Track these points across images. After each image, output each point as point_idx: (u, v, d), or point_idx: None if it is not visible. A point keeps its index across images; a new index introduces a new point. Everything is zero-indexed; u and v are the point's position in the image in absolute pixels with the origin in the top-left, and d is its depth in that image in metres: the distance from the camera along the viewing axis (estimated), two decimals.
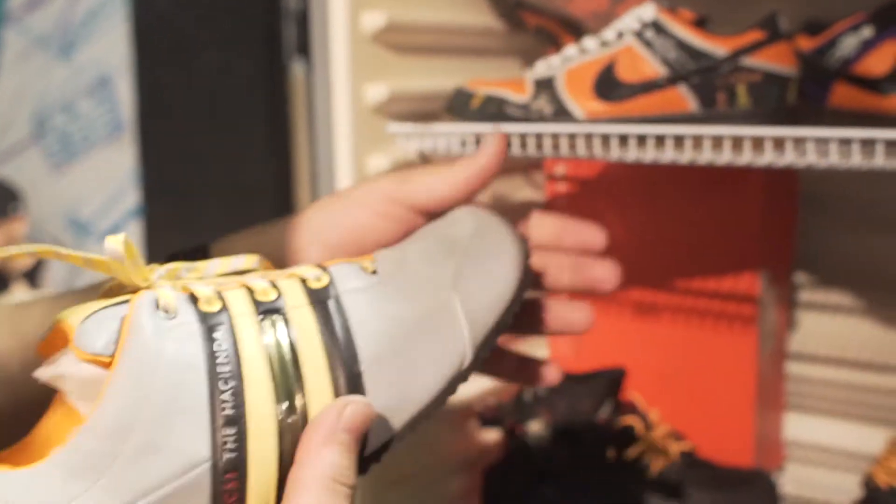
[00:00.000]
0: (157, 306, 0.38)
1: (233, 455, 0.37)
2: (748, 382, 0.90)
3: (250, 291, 0.41)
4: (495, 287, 0.48)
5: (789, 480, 0.96)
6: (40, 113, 2.29)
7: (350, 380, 0.41)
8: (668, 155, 0.68)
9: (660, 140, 0.69)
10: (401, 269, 0.46)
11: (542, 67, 0.77)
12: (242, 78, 2.01)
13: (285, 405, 0.39)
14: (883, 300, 0.92)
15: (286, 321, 0.41)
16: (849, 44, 0.76)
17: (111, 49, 2.16)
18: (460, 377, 0.45)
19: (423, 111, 0.83)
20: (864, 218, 0.92)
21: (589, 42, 0.76)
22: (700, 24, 0.75)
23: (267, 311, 0.41)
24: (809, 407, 0.97)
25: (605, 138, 0.71)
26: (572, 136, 0.72)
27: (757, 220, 0.90)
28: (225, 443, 0.37)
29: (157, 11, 2.08)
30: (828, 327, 0.94)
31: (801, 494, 0.95)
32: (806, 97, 0.77)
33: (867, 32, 0.75)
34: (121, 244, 0.39)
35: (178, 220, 2.03)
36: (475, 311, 0.46)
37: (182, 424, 0.36)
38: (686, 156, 0.68)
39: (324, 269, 0.44)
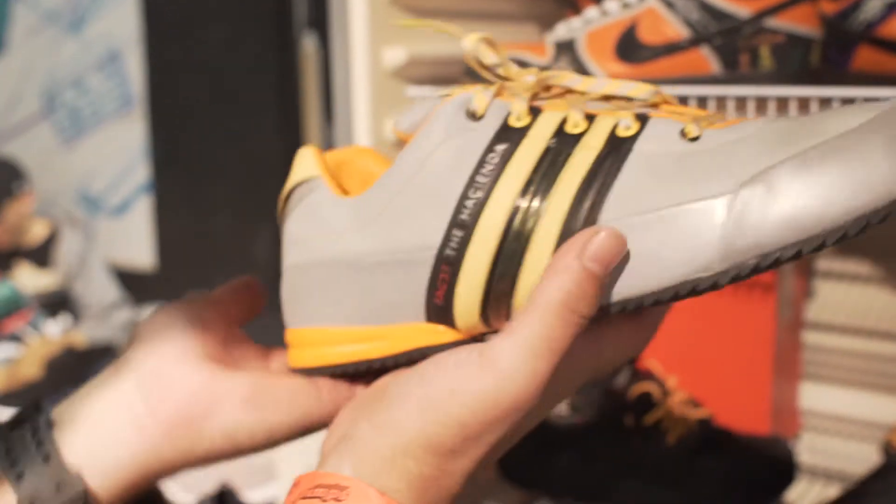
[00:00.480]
0: (468, 107, 0.43)
1: (453, 253, 0.42)
2: (766, 350, 0.90)
3: (565, 120, 0.42)
4: (820, 207, 0.37)
5: (805, 449, 0.96)
6: (50, 88, 2.29)
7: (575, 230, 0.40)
8: None
9: (683, 101, 0.69)
10: (722, 145, 0.40)
11: (563, 30, 0.76)
12: (252, 53, 2.00)
13: (514, 229, 0.41)
14: None
15: (568, 158, 0.41)
16: (873, 6, 0.75)
17: (121, 24, 2.16)
18: (694, 287, 0.39)
19: (442, 75, 0.83)
20: None
21: (610, 4, 0.75)
22: None
23: (561, 142, 0.41)
24: (826, 376, 0.96)
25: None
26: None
27: None
28: (451, 240, 0.42)
29: None
30: (845, 296, 0.94)
31: (817, 463, 0.95)
32: (829, 61, 0.76)
33: None
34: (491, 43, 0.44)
35: (187, 194, 2.03)
36: (757, 226, 0.38)
37: (432, 211, 0.42)
38: None
39: (643, 117, 0.42)
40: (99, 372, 0.49)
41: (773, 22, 0.71)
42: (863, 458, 0.90)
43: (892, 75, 0.73)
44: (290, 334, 0.49)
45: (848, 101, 0.64)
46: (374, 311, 0.45)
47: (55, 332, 1.84)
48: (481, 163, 0.41)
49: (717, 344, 0.93)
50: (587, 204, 0.40)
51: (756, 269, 0.38)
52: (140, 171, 2.16)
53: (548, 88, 0.44)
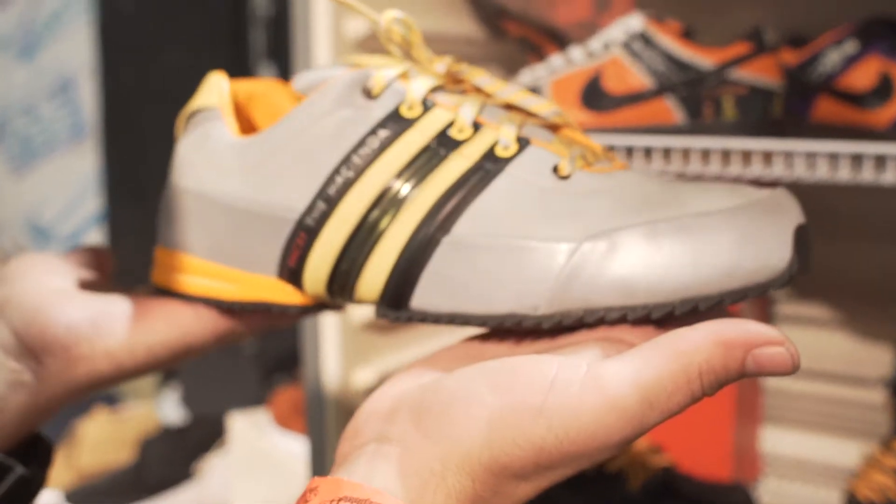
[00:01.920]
0: (365, 84, 0.43)
1: (312, 223, 0.43)
2: (727, 396, 0.90)
3: (451, 123, 0.42)
4: (671, 269, 0.37)
5: (767, 493, 0.96)
6: (1, 116, 2.24)
7: (423, 241, 0.41)
8: (657, 166, 0.68)
9: (648, 151, 0.69)
10: (585, 192, 0.40)
11: (528, 77, 0.76)
12: None
13: (372, 217, 0.42)
14: (859, 313, 0.93)
15: (442, 161, 0.41)
16: (832, 58, 0.76)
17: (74, 51, 2.13)
18: (518, 322, 0.39)
19: None
20: (841, 231, 0.93)
21: (575, 52, 0.75)
22: (687, 35, 0.75)
23: (441, 144, 0.42)
24: (787, 420, 0.97)
25: None
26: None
27: None
28: (313, 210, 0.43)
29: (122, 15, 2.05)
30: (805, 340, 0.95)
31: None
32: (790, 110, 0.77)
33: (851, 47, 0.76)
34: (407, 25, 0.43)
35: (140, 225, 1.99)
36: (589, 281, 0.37)
37: (303, 177, 0.43)
38: (674, 167, 0.68)
39: (524, 142, 0.41)
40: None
41: (736, 74, 0.71)
42: (824, 503, 0.90)
43: (851, 126, 0.74)
44: (159, 251, 0.49)
45: (810, 155, 0.65)
46: (233, 254, 0.46)
47: None
48: (360, 143, 0.42)
49: None
50: (445, 211, 0.41)
51: (581, 322, 0.38)
52: (92, 201, 2.12)
53: (458, 81, 0.44)
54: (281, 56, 1.90)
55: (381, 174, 0.42)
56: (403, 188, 0.41)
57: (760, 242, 0.37)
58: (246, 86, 0.49)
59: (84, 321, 0.45)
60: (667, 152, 0.68)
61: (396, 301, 0.42)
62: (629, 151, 0.69)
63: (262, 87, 0.50)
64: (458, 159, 0.41)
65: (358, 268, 0.43)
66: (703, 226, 0.37)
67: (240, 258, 0.46)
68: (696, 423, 0.92)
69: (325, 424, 0.83)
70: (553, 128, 0.43)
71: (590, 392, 0.34)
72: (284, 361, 1.58)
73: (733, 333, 0.34)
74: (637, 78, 0.72)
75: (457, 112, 0.42)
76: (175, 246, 0.48)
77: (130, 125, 2.07)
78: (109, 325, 0.46)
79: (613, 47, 0.73)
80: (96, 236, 2.14)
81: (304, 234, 0.43)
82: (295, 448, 1.26)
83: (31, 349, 0.45)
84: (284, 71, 1.89)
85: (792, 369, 0.35)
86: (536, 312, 0.38)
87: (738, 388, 0.90)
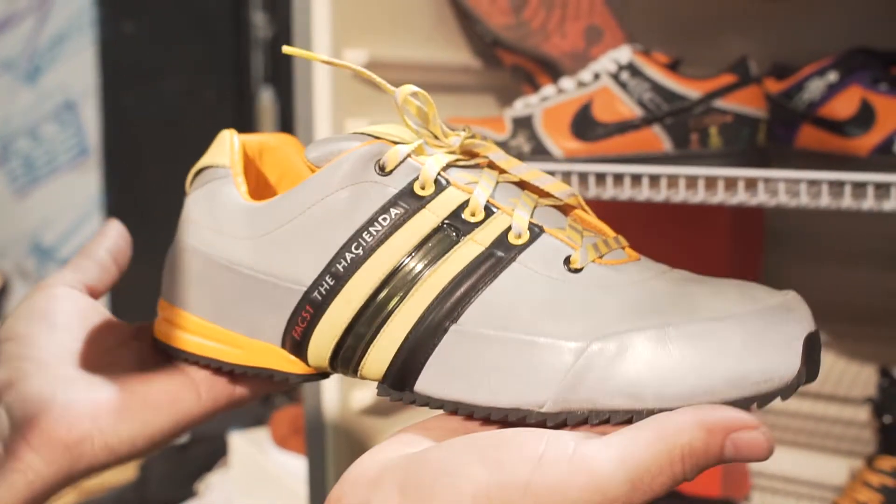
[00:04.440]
0: (379, 159, 0.42)
1: (319, 298, 0.42)
2: None
3: (464, 205, 0.41)
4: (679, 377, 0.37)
5: None
6: (4, 137, 2.27)
7: (431, 326, 0.40)
8: (644, 193, 0.71)
9: (636, 179, 0.71)
10: (596, 290, 0.40)
11: (521, 106, 0.79)
12: (209, 105, 2.01)
13: (380, 297, 0.41)
14: (844, 333, 0.95)
15: (453, 246, 0.41)
16: (815, 87, 0.79)
17: (77, 74, 2.16)
18: (523, 418, 0.39)
19: None
20: (826, 253, 0.95)
21: (566, 82, 0.78)
22: (674, 66, 0.77)
23: (454, 226, 0.41)
24: (775, 438, 0.99)
25: (583, 176, 0.73)
26: (550, 174, 0.73)
27: (723, 256, 0.92)
28: (321, 285, 0.42)
29: (125, 37, 2.08)
30: None
31: None
32: (774, 138, 0.79)
33: (832, 77, 0.78)
34: (424, 98, 0.43)
35: (142, 246, 2.01)
36: (596, 383, 0.37)
37: (312, 251, 0.42)
38: (661, 194, 0.70)
39: (537, 231, 0.41)
40: None
41: (722, 103, 0.74)
42: None
43: (834, 153, 0.77)
44: (162, 305, 0.49)
45: (792, 182, 0.67)
46: (237, 319, 0.46)
47: None
48: (371, 221, 0.42)
49: None
50: (455, 298, 0.40)
51: (585, 422, 0.38)
52: (94, 222, 2.15)
53: (473, 155, 0.44)
54: (280, 79, 1.93)
55: (392, 254, 0.41)
56: (413, 270, 0.41)
57: (769, 352, 0.37)
58: (256, 140, 0.50)
59: (85, 420, 0.45)
60: (654, 179, 0.71)
61: (400, 383, 0.42)
62: (618, 179, 0.71)
63: (272, 142, 0.51)
64: (469, 245, 0.41)
65: (363, 347, 0.42)
66: (712, 333, 0.37)
67: (243, 323, 0.45)
68: None
69: (325, 444, 0.85)
70: (565, 209, 0.43)
71: (577, 470, 0.34)
72: None
73: (714, 418, 0.35)
74: (626, 107, 0.75)
75: (471, 193, 0.42)
76: (178, 303, 0.48)
77: (132, 147, 2.10)
78: (112, 424, 0.46)
79: (603, 77, 0.76)
80: None
81: (310, 307, 0.43)
82: (294, 467, 1.28)
83: (30, 442, 0.45)
84: (283, 94, 1.91)
85: (767, 454, 0.35)
86: (542, 409, 0.38)
87: None
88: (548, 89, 0.78)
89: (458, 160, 0.43)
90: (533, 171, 0.43)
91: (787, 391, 0.37)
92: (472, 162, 0.43)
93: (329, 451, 0.85)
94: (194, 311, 0.47)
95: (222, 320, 0.46)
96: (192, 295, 0.47)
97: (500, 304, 0.40)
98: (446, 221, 0.41)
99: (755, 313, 0.38)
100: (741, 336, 0.37)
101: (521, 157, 0.76)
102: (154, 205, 2.08)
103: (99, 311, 0.51)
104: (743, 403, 0.37)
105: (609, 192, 0.71)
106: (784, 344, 0.37)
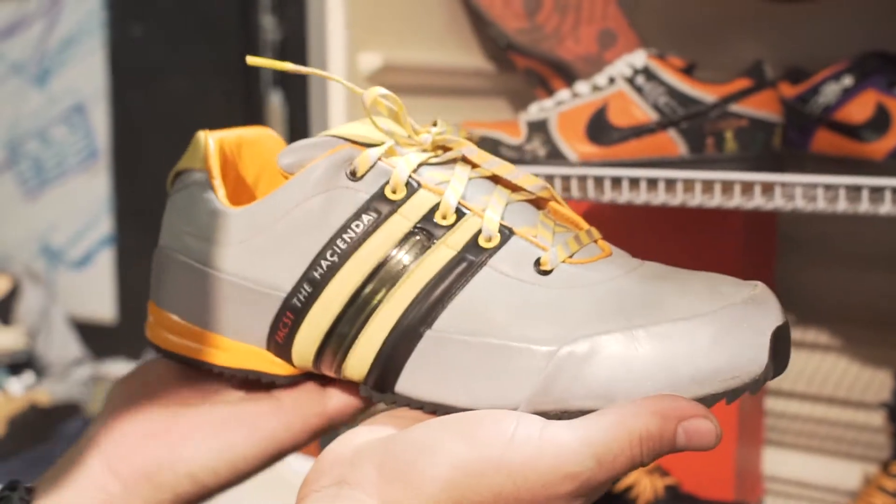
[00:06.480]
0: (351, 165, 0.43)
1: (299, 304, 0.43)
2: (729, 418, 0.92)
3: (436, 207, 0.42)
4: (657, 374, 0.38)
5: None
6: (14, 139, 2.28)
7: (407, 330, 0.41)
8: (660, 197, 0.70)
9: (652, 183, 0.71)
10: (567, 292, 0.40)
11: (535, 110, 0.79)
12: (218, 108, 2.02)
13: (358, 300, 0.42)
14: (858, 337, 0.95)
15: (426, 251, 0.41)
16: (830, 91, 0.79)
17: (86, 77, 2.16)
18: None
19: None
20: (840, 257, 0.95)
21: (581, 86, 0.78)
22: (688, 70, 0.77)
23: (426, 230, 0.42)
24: (788, 442, 0.99)
25: (599, 180, 0.73)
26: (566, 178, 0.73)
27: (736, 259, 0.92)
28: (300, 292, 0.43)
29: (134, 40, 2.08)
30: (805, 364, 0.97)
31: None
32: (789, 142, 0.79)
33: (847, 81, 0.78)
34: (392, 99, 0.43)
35: (151, 248, 2.02)
36: (567, 385, 0.38)
37: (289, 259, 0.43)
38: (677, 198, 0.70)
39: (507, 233, 0.42)
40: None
41: (737, 107, 0.74)
42: None
43: (849, 157, 0.77)
44: (150, 307, 0.49)
45: (809, 187, 0.67)
46: (220, 322, 0.46)
47: (18, 389, 1.82)
48: (345, 228, 0.42)
49: None
50: (428, 304, 0.41)
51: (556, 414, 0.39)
52: (103, 224, 2.15)
53: (446, 149, 0.44)
54: (289, 83, 1.93)
55: (367, 260, 0.42)
56: (388, 277, 0.41)
57: (737, 349, 0.38)
58: (234, 136, 0.50)
59: (163, 448, 0.46)
60: (670, 183, 0.71)
61: (381, 384, 0.42)
62: (634, 183, 0.71)
63: (250, 136, 0.50)
64: (441, 249, 0.41)
65: (345, 349, 0.43)
66: (680, 333, 0.38)
67: (227, 327, 0.46)
68: None
69: None
70: (538, 202, 0.44)
71: (546, 448, 0.37)
72: None
73: (668, 406, 0.37)
74: (641, 111, 0.75)
75: (442, 195, 0.42)
76: (164, 306, 0.48)
77: (142, 149, 2.10)
78: (190, 449, 0.46)
79: (618, 81, 0.76)
80: (107, 259, 2.16)
81: (291, 313, 0.43)
82: (307, 469, 1.28)
83: (119, 476, 0.46)
84: (292, 97, 1.92)
85: (714, 442, 0.38)
86: (516, 411, 0.39)
87: (739, 410, 0.92)
88: (563, 93, 0.78)
89: (430, 158, 0.43)
90: (505, 166, 0.43)
91: (755, 386, 0.38)
92: (445, 158, 0.43)
93: None
94: (180, 314, 0.47)
95: (205, 323, 0.46)
96: (175, 297, 0.48)
97: (472, 308, 0.40)
98: (418, 225, 0.42)
99: (723, 310, 0.39)
100: (708, 335, 0.38)
101: (536, 160, 0.76)
102: (163, 207, 2.08)
103: None
104: (711, 400, 0.38)
105: (625, 196, 0.71)
106: (751, 339, 0.38)
